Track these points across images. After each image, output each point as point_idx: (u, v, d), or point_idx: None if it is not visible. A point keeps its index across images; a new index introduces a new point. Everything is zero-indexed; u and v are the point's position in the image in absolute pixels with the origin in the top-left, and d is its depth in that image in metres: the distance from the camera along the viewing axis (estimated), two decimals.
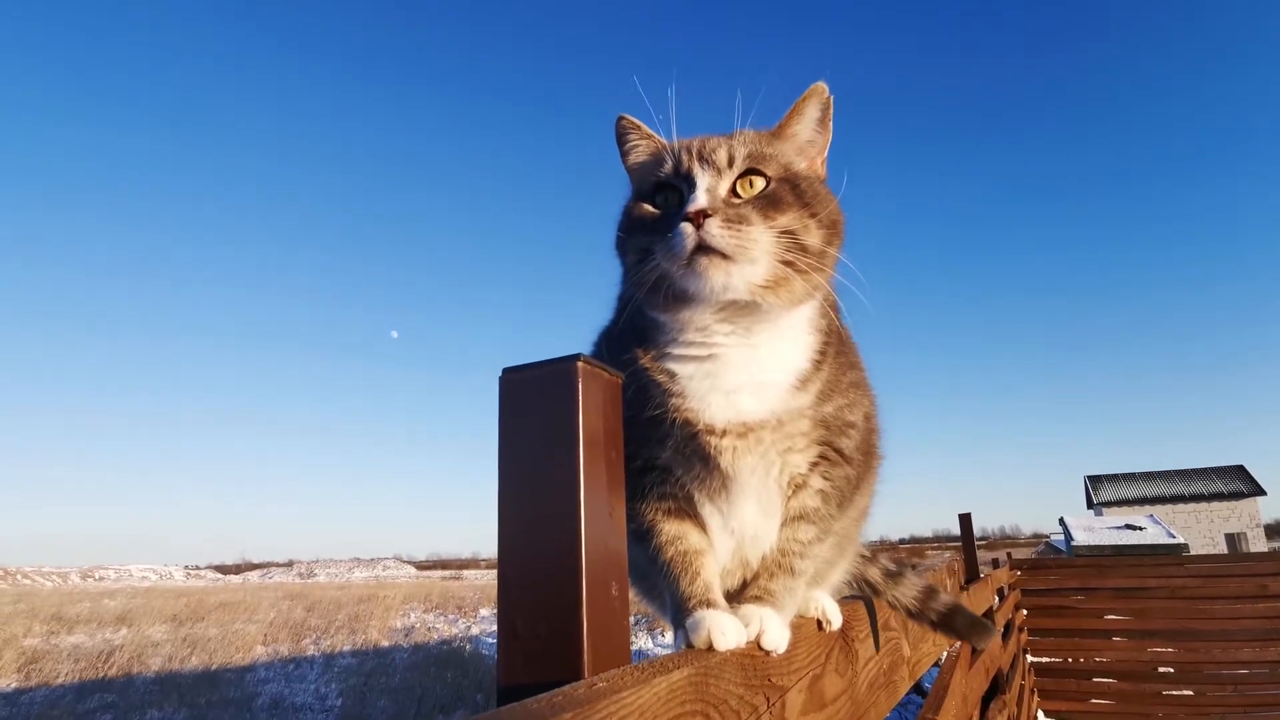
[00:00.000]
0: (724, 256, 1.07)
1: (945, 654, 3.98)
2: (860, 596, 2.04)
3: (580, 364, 0.94)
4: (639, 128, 1.27)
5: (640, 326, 1.22)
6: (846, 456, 1.31)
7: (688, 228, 1.06)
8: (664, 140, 1.26)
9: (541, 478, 0.92)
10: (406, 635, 20.37)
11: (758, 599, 1.23)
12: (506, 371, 0.98)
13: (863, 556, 1.95)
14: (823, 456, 1.29)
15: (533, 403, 0.95)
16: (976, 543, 6.87)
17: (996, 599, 7.26)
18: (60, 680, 14.12)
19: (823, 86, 1.21)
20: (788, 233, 1.11)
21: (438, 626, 21.86)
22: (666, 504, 1.26)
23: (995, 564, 9.61)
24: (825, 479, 1.29)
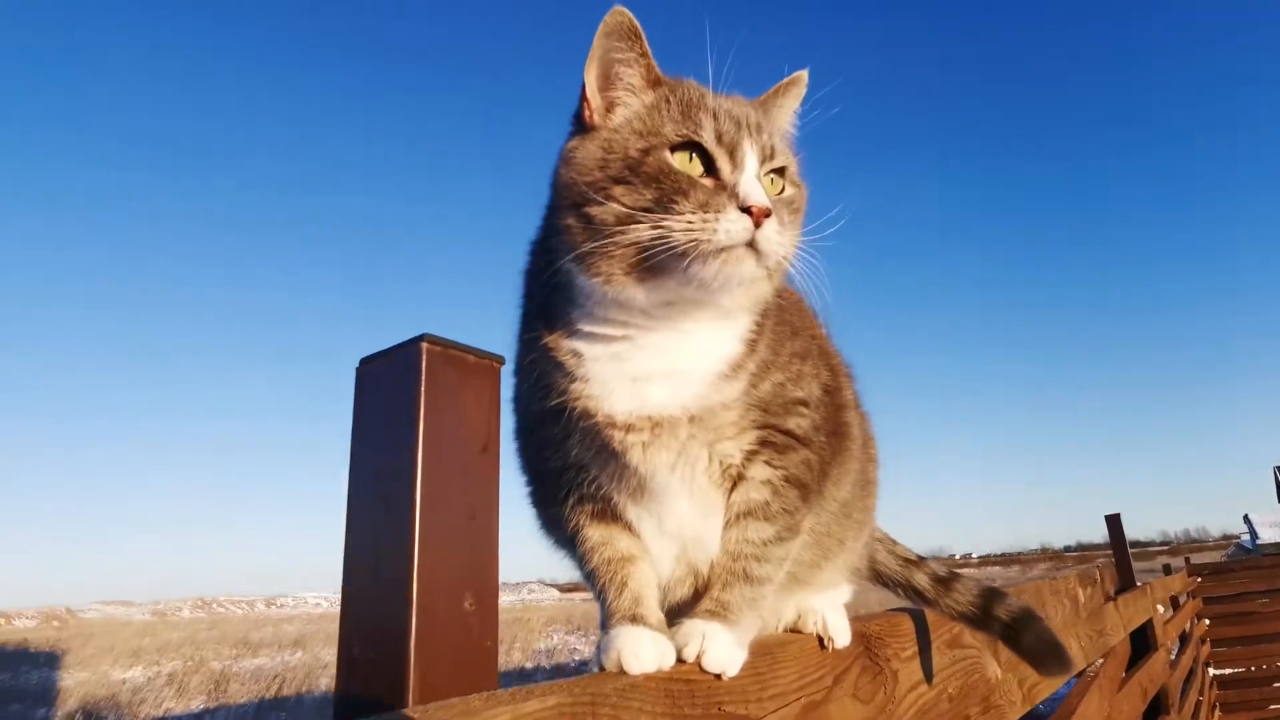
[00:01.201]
0: (759, 257, 0.98)
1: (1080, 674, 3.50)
2: (909, 609, 1.79)
3: (425, 345, 0.84)
4: (640, 39, 1.06)
5: (556, 297, 1.07)
6: (800, 438, 1.13)
7: (745, 220, 0.95)
8: (659, 71, 1.09)
9: (384, 480, 0.82)
10: (548, 656, 20.83)
11: (708, 612, 1.06)
12: (362, 362, 0.89)
13: (906, 560, 1.70)
14: (765, 442, 1.12)
15: (380, 394, 0.86)
16: (1157, 548, 6.10)
17: (1164, 609, 6.40)
18: (242, 700, 15.51)
19: (805, 76, 1.14)
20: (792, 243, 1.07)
21: (579, 647, 22.19)
22: (589, 505, 1.12)
23: (1167, 570, 8.53)
24: (773, 468, 1.11)
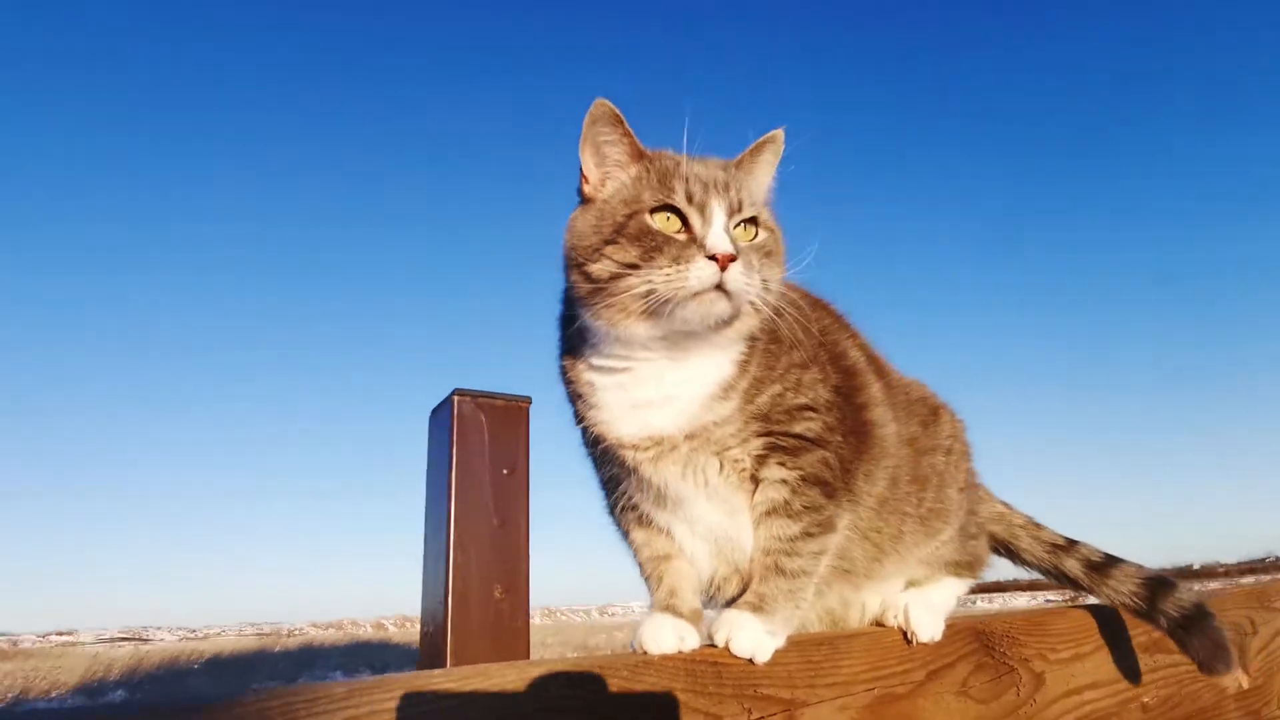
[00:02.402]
0: (729, 297, 1.10)
1: None
2: (1088, 607, 1.63)
3: (456, 397, 1.08)
4: (621, 122, 1.21)
5: (576, 338, 1.24)
6: (812, 440, 1.18)
7: (709, 265, 1.09)
8: (641, 145, 1.24)
9: (436, 500, 1.08)
10: None
11: (745, 603, 1.15)
12: (432, 412, 1.17)
13: (1054, 545, 1.58)
14: (774, 446, 1.18)
15: (436, 435, 1.12)
16: None
17: None
18: None
19: (781, 135, 1.23)
20: (765, 280, 1.15)
21: None
22: (633, 512, 1.27)
23: None
24: (788, 468, 1.17)
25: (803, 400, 1.19)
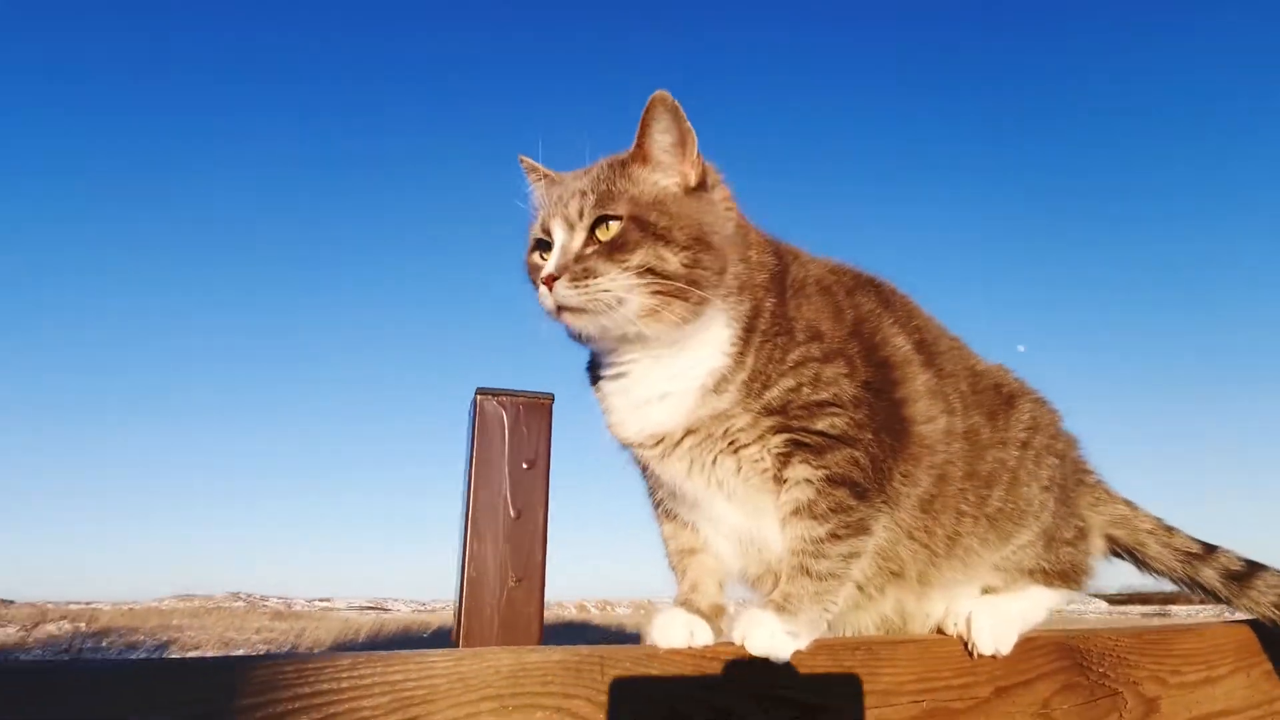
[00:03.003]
0: (581, 310, 1.11)
1: None
2: (1241, 623, 1.39)
3: (477, 395, 1.17)
4: (534, 169, 1.29)
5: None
6: (838, 438, 1.10)
7: (544, 290, 1.12)
8: (554, 175, 1.27)
9: (463, 493, 1.17)
10: None
11: (769, 602, 1.12)
12: (469, 412, 1.26)
13: (1188, 554, 1.37)
14: (797, 444, 1.13)
15: (466, 432, 1.21)
16: None
17: None
18: None
19: (662, 94, 1.13)
20: (645, 269, 1.09)
21: None
22: (663, 507, 1.28)
23: None
24: (813, 467, 1.11)
25: (824, 396, 1.13)
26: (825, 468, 1.12)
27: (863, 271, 1.35)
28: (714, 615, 1.17)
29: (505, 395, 1.16)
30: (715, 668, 1.07)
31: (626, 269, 1.09)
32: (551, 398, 1.24)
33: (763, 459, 1.16)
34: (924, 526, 1.21)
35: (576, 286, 1.09)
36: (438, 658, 0.98)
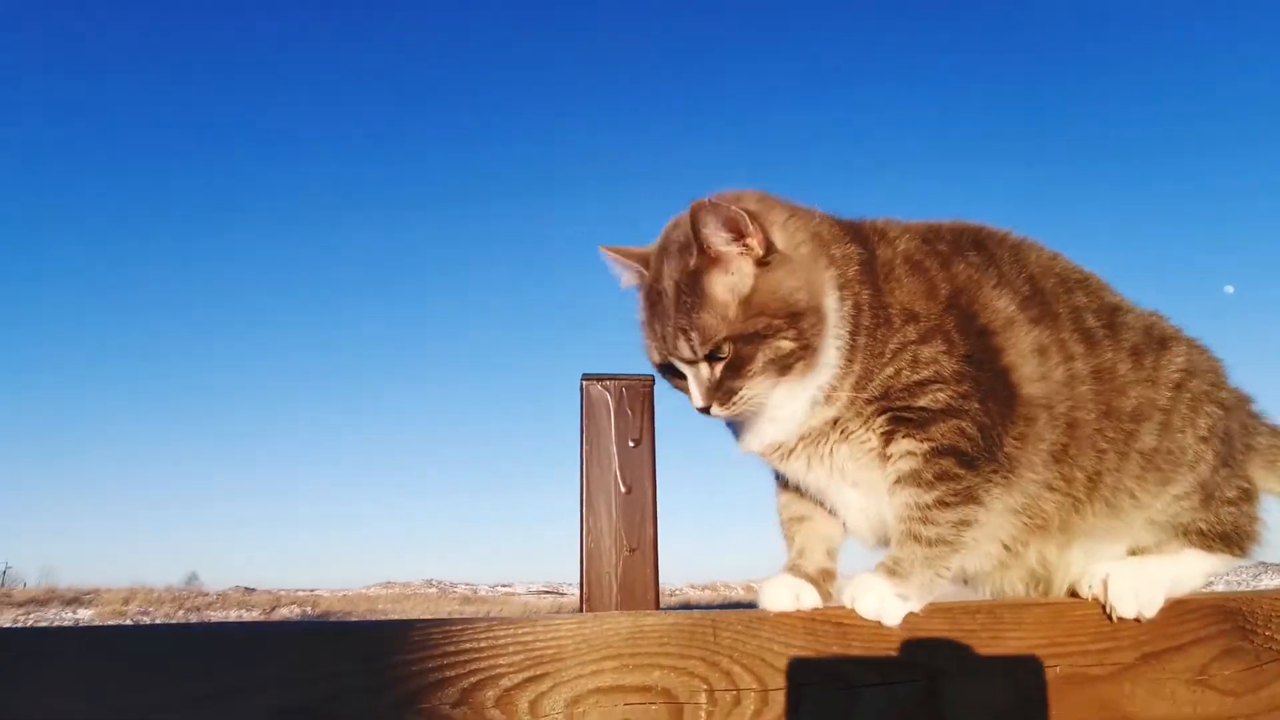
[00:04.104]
0: (738, 417, 1.21)
1: None
2: None
3: (583, 380, 1.26)
4: (617, 258, 1.30)
5: None
6: (941, 411, 1.10)
7: (703, 415, 1.20)
8: (642, 264, 1.26)
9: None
10: None
11: (880, 567, 1.13)
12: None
13: None
14: (898, 420, 1.14)
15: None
16: None
17: None
18: None
19: (699, 203, 1.11)
20: (769, 364, 1.13)
21: None
22: (782, 478, 1.33)
23: None
24: (916, 440, 1.12)
25: (923, 375, 1.14)
26: (930, 439, 1.12)
27: (964, 227, 1.30)
28: (822, 580, 1.20)
29: (609, 379, 1.24)
30: (826, 629, 1.09)
31: (754, 376, 1.14)
32: (652, 380, 1.30)
33: (869, 439, 1.18)
34: (1062, 475, 1.18)
35: (727, 407, 1.16)
36: (563, 621, 1.08)
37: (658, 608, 1.27)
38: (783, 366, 1.13)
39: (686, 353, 1.15)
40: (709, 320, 1.13)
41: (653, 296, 1.21)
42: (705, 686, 1.06)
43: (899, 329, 1.16)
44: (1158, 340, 1.28)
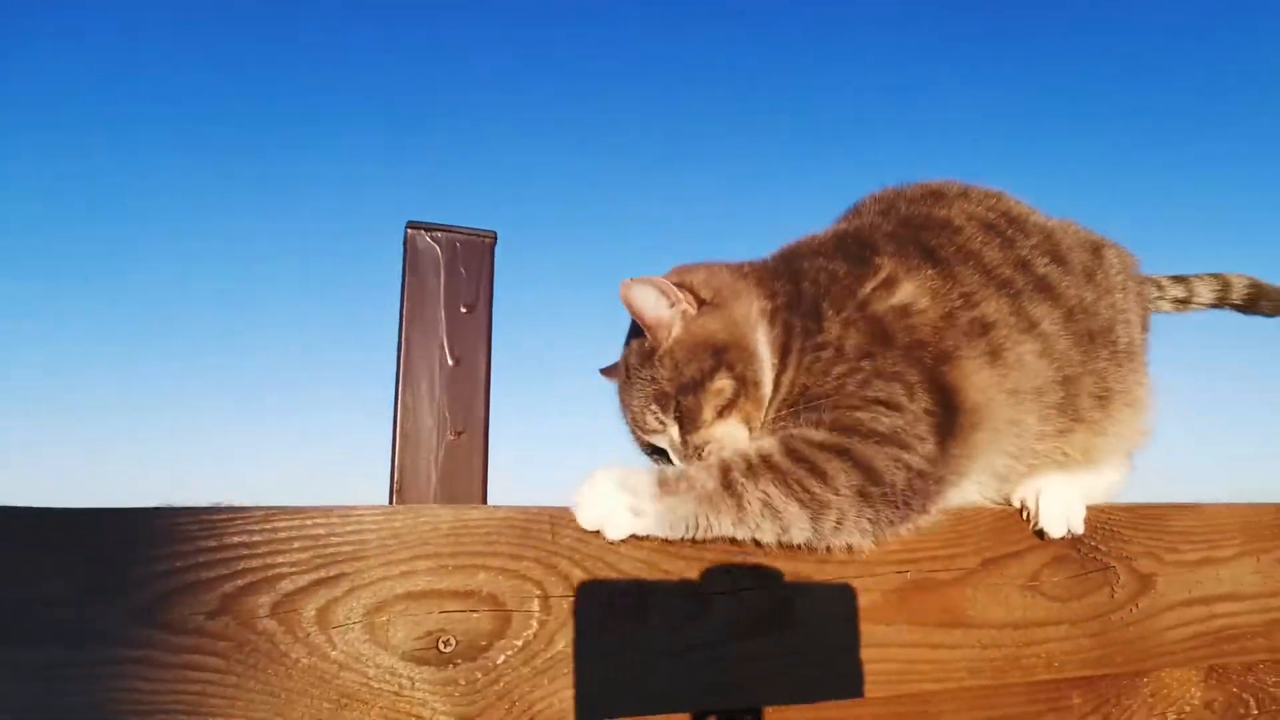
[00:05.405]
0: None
1: None
2: (1247, 505, 1.32)
3: (409, 230, 1.03)
4: (606, 375, 1.30)
5: None
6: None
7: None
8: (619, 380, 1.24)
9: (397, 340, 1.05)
10: None
11: None
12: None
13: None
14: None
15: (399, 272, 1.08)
16: None
17: None
18: None
19: (625, 283, 1.11)
20: (722, 409, 1.09)
21: None
22: None
23: None
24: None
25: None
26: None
27: (891, 210, 1.29)
28: None
29: (440, 230, 1.03)
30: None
31: (710, 425, 1.10)
32: (494, 236, 1.10)
33: None
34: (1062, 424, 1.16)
35: (706, 464, 1.03)
36: (366, 511, 0.87)
37: (484, 500, 1.08)
38: (736, 408, 1.10)
39: (654, 424, 1.15)
40: (659, 388, 1.13)
41: (623, 388, 1.21)
42: (539, 592, 0.90)
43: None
44: (1093, 249, 1.30)
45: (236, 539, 0.82)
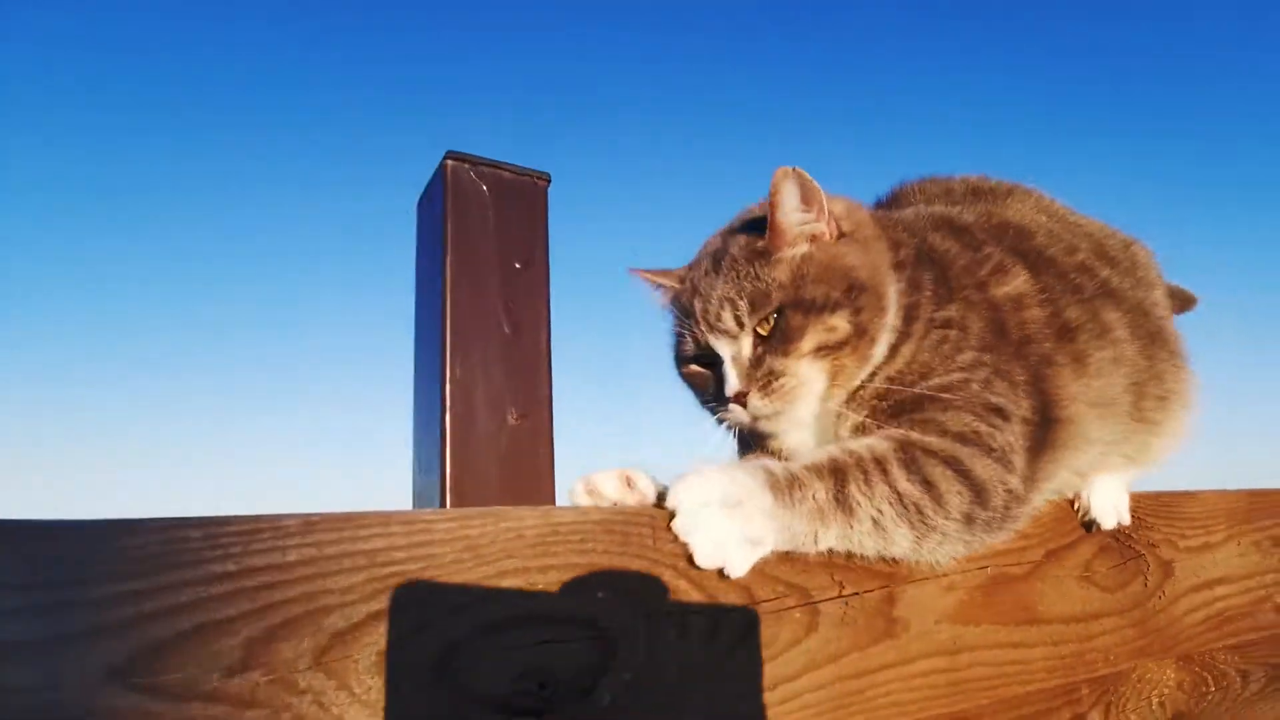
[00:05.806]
0: (776, 414, 1.00)
1: None
2: (1227, 491, 1.37)
3: (449, 161, 0.81)
4: (649, 279, 1.18)
5: None
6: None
7: (736, 408, 1.01)
8: (676, 279, 1.14)
9: (429, 304, 0.83)
10: None
11: None
12: (421, 201, 0.90)
13: None
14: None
15: (426, 225, 0.86)
16: None
17: None
18: None
19: (783, 170, 0.98)
20: (819, 348, 0.97)
21: None
22: None
23: None
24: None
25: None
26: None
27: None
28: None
29: (487, 165, 0.81)
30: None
31: (802, 357, 0.98)
32: (547, 177, 0.90)
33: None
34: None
35: (766, 395, 0.98)
36: (435, 518, 0.66)
37: (553, 500, 0.88)
38: (834, 358, 0.98)
39: (730, 323, 1.01)
40: (761, 287, 1.00)
41: (703, 277, 1.06)
42: (644, 611, 0.73)
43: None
44: (1124, 247, 1.28)
45: (262, 560, 0.58)
